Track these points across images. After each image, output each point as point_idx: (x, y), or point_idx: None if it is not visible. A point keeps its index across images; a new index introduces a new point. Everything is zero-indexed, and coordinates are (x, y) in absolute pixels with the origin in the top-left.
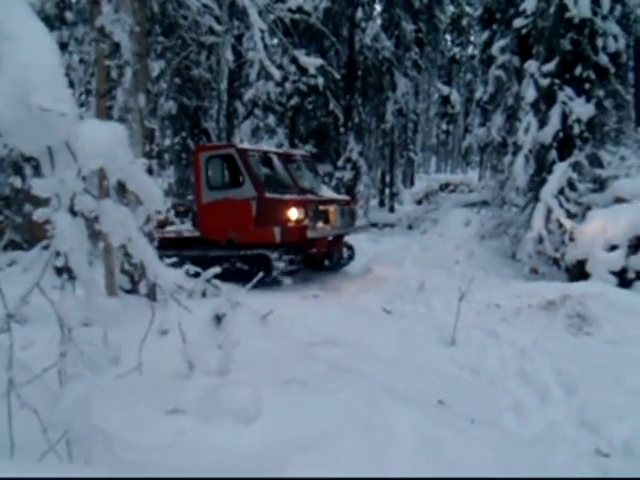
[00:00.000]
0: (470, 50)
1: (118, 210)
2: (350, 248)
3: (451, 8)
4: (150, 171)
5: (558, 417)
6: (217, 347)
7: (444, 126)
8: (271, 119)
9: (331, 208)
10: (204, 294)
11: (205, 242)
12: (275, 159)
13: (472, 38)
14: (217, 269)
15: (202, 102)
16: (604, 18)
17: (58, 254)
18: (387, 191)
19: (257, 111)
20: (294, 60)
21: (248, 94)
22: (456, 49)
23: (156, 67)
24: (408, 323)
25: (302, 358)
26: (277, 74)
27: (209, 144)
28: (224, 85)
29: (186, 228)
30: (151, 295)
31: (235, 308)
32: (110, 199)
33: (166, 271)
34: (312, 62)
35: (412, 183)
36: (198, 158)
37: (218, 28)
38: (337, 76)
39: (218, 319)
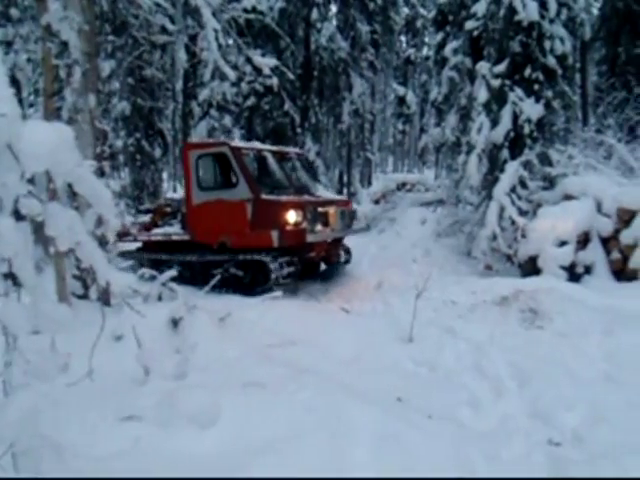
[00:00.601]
0: (425, 51)
1: (65, 213)
2: (347, 250)
3: (405, 10)
4: (102, 173)
5: (512, 409)
6: (174, 351)
7: (400, 126)
8: (227, 119)
9: (331, 210)
10: (160, 298)
11: (195, 246)
12: (270, 157)
13: (426, 40)
14: (173, 272)
15: (157, 102)
16: (551, 21)
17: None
18: (345, 191)
19: (213, 112)
20: (249, 60)
21: (203, 94)
22: (411, 50)
23: (106, 67)
24: (366, 322)
25: (261, 360)
26: (232, 74)
27: (199, 141)
28: (179, 85)
29: (174, 231)
30: (103, 300)
31: (192, 311)
32: (56, 202)
33: (119, 275)
34: (266, 62)
35: (370, 183)
36: (187, 156)
37: (171, 27)
38: (291, 76)
39: (175, 323)
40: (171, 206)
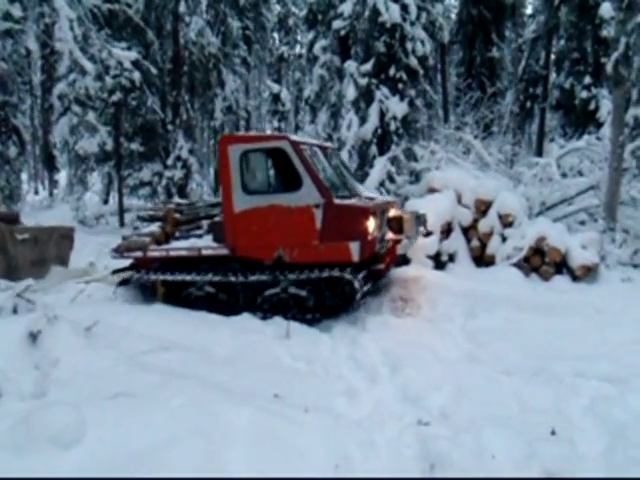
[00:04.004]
0: (298, 49)
1: None
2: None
3: (278, 7)
4: None
5: (385, 395)
6: (33, 368)
7: (276, 123)
8: (91, 116)
9: (406, 215)
10: (15, 310)
11: (235, 262)
12: (320, 154)
13: (299, 37)
14: (30, 281)
15: (10, 97)
16: (412, 24)
17: None
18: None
19: (75, 107)
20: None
21: (59, 88)
22: (284, 48)
23: None
24: (243, 320)
25: (132, 368)
26: (90, 67)
27: (244, 135)
28: (37, 78)
29: (205, 244)
30: None
31: (53, 323)
32: None
33: None
34: (127, 55)
35: None
36: (226, 152)
37: (17, 14)
38: (154, 71)
39: (33, 336)
40: (183, 212)
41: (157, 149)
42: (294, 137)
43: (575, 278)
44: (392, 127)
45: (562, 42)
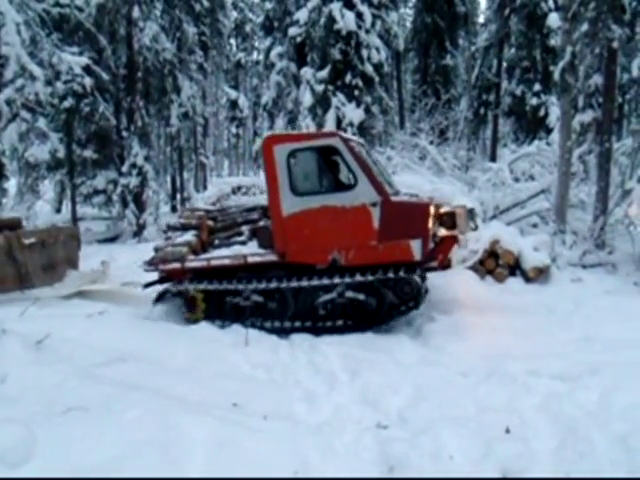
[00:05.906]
0: (255, 55)
1: None
2: None
3: (234, 13)
4: None
5: (344, 400)
6: None
7: (234, 129)
8: (42, 122)
9: (458, 210)
10: None
11: (283, 268)
12: (363, 151)
13: (256, 44)
14: None
15: None
16: (367, 32)
17: None
18: (178, 196)
19: (24, 113)
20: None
21: (5, 94)
22: (241, 54)
23: None
24: (201, 329)
25: (85, 382)
26: (39, 72)
27: (290, 133)
28: None
29: (250, 251)
30: None
31: (1, 336)
32: None
33: None
34: (77, 61)
35: (205, 187)
36: (271, 153)
37: None
38: (105, 76)
39: None
40: (217, 219)
41: (111, 156)
42: (344, 134)
43: (528, 279)
44: (349, 133)
45: (513, 50)
